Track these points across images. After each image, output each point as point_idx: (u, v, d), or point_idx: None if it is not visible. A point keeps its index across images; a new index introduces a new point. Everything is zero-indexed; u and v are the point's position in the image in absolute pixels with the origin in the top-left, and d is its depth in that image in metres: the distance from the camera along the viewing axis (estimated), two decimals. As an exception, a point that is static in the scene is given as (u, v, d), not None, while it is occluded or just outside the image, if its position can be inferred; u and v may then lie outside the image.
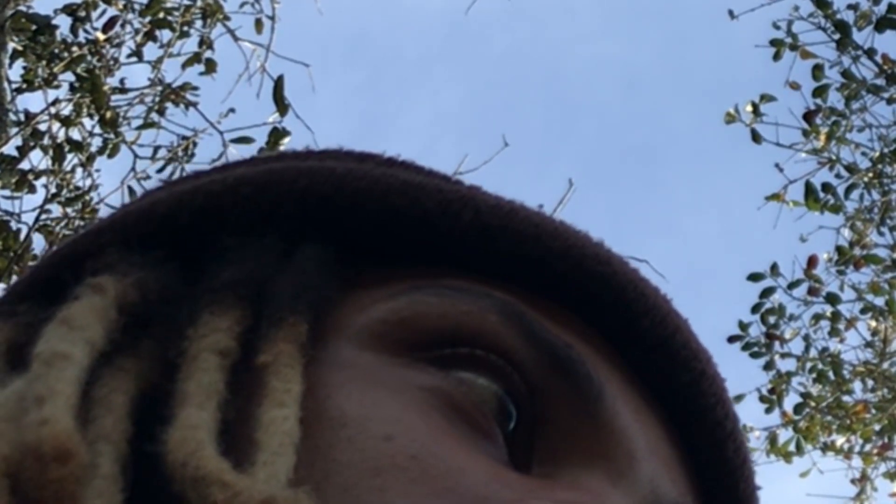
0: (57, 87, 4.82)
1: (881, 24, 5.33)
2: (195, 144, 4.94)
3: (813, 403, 5.95)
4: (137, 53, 4.99)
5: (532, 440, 0.41)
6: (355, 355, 0.41)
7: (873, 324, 5.98)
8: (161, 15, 4.97)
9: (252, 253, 0.43)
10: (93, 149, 4.85)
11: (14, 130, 4.62)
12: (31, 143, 4.76)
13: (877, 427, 5.97)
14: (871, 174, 5.72)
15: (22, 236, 4.55)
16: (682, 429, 0.45)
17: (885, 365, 5.99)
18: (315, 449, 0.37)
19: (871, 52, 5.51)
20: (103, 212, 4.74)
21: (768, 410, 6.02)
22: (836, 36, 5.50)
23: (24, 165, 4.75)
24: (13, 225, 4.60)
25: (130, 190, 4.71)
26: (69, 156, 4.80)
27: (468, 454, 0.38)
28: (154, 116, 4.95)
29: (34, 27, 4.74)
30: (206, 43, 5.04)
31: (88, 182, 4.83)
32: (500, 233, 0.44)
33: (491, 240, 0.44)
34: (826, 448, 6.03)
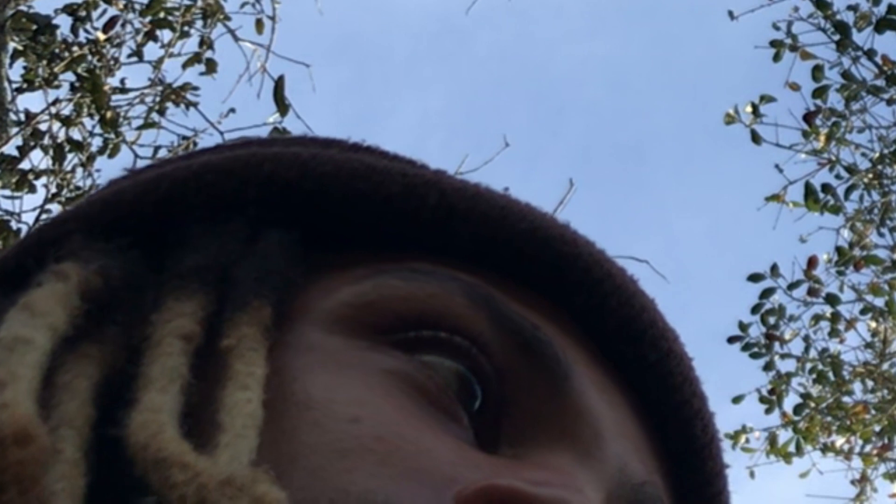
0: (57, 86, 4.83)
1: (881, 25, 5.32)
2: (196, 144, 4.94)
3: (813, 404, 5.94)
4: (138, 53, 4.99)
5: (499, 421, 0.41)
6: (321, 338, 0.41)
7: (873, 325, 5.98)
8: (161, 15, 4.97)
9: (216, 239, 0.43)
10: (93, 149, 4.85)
11: (14, 130, 4.63)
12: (32, 143, 4.76)
13: (876, 428, 5.97)
14: (870, 175, 5.72)
15: (22, 236, 4.55)
16: (650, 408, 0.45)
17: (885, 366, 5.99)
18: (281, 432, 0.37)
19: (870, 53, 5.51)
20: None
21: (768, 411, 6.02)
22: (836, 37, 5.50)
23: (25, 165, 4.76)
24: (13, 225, 4.60)
25: (130, 190, 4.70)
26: (69, 156, 4.81)
27: (434, 435, 0.39)
28: (154, 116, 4.96)
29: (35, 27, 4.74)
30: (206, 43, 5.04)
31: (89, 182, 4.84)
32: (465, 215, 0.45)
33: (457, 222, 0.44)
34: (826, 449, 6.02)
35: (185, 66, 5.01)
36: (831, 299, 5.85)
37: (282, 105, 4.47)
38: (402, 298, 0.42)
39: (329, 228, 0.45)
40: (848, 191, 5.69)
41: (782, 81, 5.76)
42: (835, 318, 5.92)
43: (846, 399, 6.00)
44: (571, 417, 0.41)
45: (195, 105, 4.95)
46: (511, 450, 0.41)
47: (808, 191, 5.63)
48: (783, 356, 5.97)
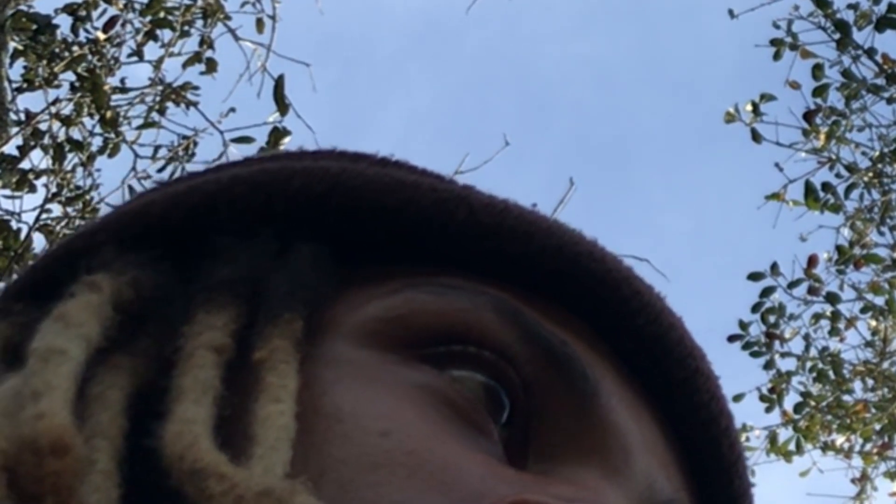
0: (57, 86, 4.82)
1: (881, 24, 5.32)
2: (196, 144, 4.94)
3: (813, 403, 5.95)
4: (138, 53, 4.99)
5: (527, 437, 0.41)
6: (351, 352, 0.41)
7: (873, 323, 5.98)
8: (162, 14, 4.97)
9: (247, 252, 0.43)
10: (93, 148, 4.85)
11: (14, 130, 4.62)
12: (32, 143, 4.76)
13: (877, 426, 5.97)
14: (871, 174, 5.72)
15: (22, 236, 4.55)
16: (677, 425, 0.45)
17: (885, 364, 5.99)
18: (311, 445, 0.38)
19: (871, 52, 5.51)
20: (104, 211, 4.75)
21: (768, 410, 6.03)
22: (836, 35, 5.50)
23: (25, 165, 4.76)
24: (13, 224, 4.60)
25: (131, 189, 4.71)
26: (70, 155, 4.80)
27: (464, 450, 0.39)
28: (154, 116, 4.95)
29: (35, 26, 4.74)
30: (206, 42, 5.04)
31: (89, 181, 4.84)
32: (494, 231, 0.45)
33: (485, 238, 0.45)
34: (826, 447, 6.02)
35: (185, 65, 5.01)
36: (831, 298, 5.86)
37: (282, 104, 4.47)
38: (431, 313, 0.42)
39: (359, 243, 0.45)
40: (848, 189, 5.69)
41: (782, 80, 5.76)
42: (835, 316, 5.92)
43: (846, 398, 6.00)
44: (599, 433, 0.41)
45: (195, 104, 4.95)
46: (539, 465, 0.41)
47: (809, 189, 5.64)
48: (783, 355, 5.97)
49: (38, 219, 4.64)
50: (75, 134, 4.82)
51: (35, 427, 0.34)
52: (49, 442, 0.34)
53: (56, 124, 4.78)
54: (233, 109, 4.90)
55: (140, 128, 4.94)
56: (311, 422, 0.38)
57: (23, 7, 4.71)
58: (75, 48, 4.82)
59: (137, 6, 4.95)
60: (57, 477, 0.34)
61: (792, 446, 5.97)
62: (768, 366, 5.96)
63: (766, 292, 5.81)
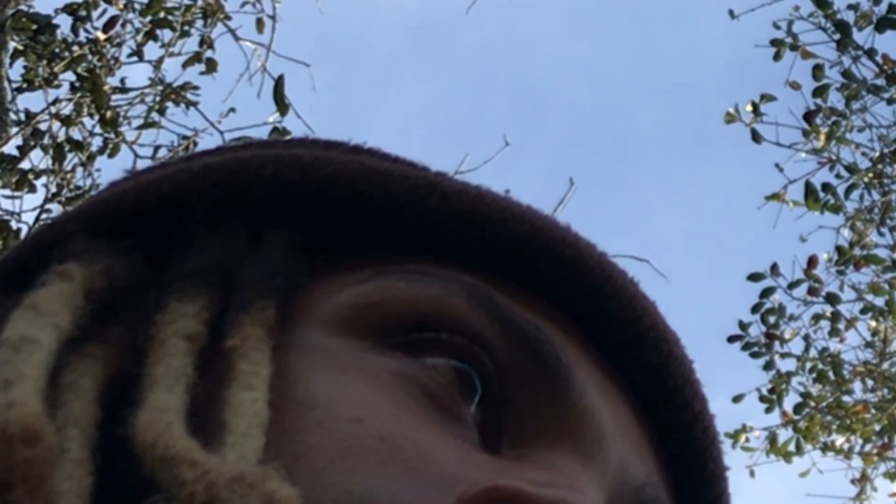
0: (57, 86, 4.82)
1: (881, 25, 5.32)
2: (196, 144, 4.94)
3: (813, 403, 5.94)
4: (138, 53, 4.99)
5: (501, 422, 0.41)
6: (324, 340, 0.41)
7: (873, 324, 5.97)
8: (162, 14, 4.97)
9: (219, 240, 0.43)
10: (93, 148, 4.85)
11: (14, 130, 4.62)
12: (32, 143, 4.76)
13: (877, 427, 5.97)
14: (871, 174, 5.72)
15: (22, 236, 4.55)
16: (651, 410, 0.45)
17: (885, 365, 5.99)
18: (284, 432, 0.38)
19: (871, 53, 5.51)
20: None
21: (768, 410, 6.02)
22: (837, 36, 5.50)
23: (25, 165, 4.76)
24: (13, 224, 4.60)
25: (130, 189, 4.70)
26: (69, 155, 4.81)
27: (438, 436, 0.39)
28: (154, 116, 4.95)
29: (35, 26, 4.74)
30: (206, 42, 5.04)
31: (89, 182, 4.84)
32: (467, 217, 0.45)
33: (458, 225, 0.45)
34: (826, 448, 6.02)
35: (185, 65, 5.01)
36: (831, 298, 5.85)
37: (282, 104, 4.47)
38: (403, 300, 0.42)
39: (331, 230, 0.45)
40: (848, 190, 5.69)
41: (782, 80, 5.76)
42: (835, 317, 5.92)
43: (846, 398, 6.00)
44: (573, 418, 0.42)
45: (195, 104, 4.95)
46: (513, 450, 0.41)
47: (809, 190, 5.63)
48: (783, 355, 5.97)
49: (38, 219, 4.64)
50: (75, 134, 4.83)
51: (6, 415, 0.34)
52: (20, 430, 0.34)
53: (56, 124, 4.78)
54: (233, 109, 4.90)
55: (140, 128, 4.94)
56: (284, 409, 0.38)
57: (23, 7, 4.72)
58: (75, 48, 4.82)
59: (137, 6, 4.95)
60: (28, 465, 0.33)
61: (792, 447, 5.97)
62: (768, 366, 5.96)
63: (766, 293, 5.81)
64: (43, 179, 4.77)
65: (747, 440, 6.03)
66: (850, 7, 5.51)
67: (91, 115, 4.81)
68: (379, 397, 0.39)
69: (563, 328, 0.44)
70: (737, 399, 5.96)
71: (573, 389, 0.42)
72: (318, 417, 0.38)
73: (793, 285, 5.80)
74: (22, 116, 4.72)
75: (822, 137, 5.69)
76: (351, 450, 0.37)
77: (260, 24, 5.06)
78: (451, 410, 0.40)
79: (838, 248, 5.82)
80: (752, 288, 5.80)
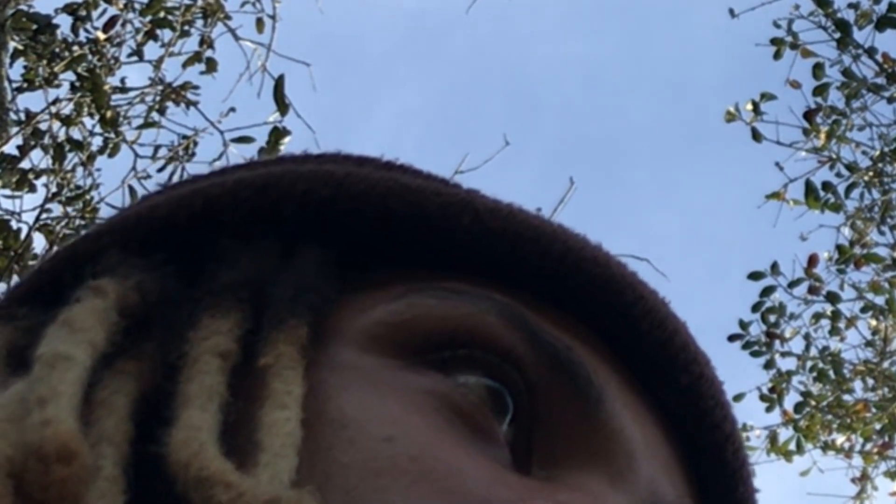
0: (57, 86, 4.82)
1: (882, 23, 5.32)
2: (196, 144, 4.94)
3: (813, 402, 5.95)
4: (138, 53, 4.99)
5: (532, 441, 0.41)
6: (355, 357, 0.41)
7: (874, 323, 5.98)
8: (162, 14, 4.97)
9: (251, 256, 0.43)
10: (93, 148, 4.85)
11: (15, 130, 4.62)
12: (32, 143, 4.75)
13: (877, 426, 5.97)
14: (871, 173, 5.72)
15: (22, 236, 4.55)
16: (681, 431, 0.45)
17: (886, 364, 5.99)
18: (316, 450, 0.37)
19: (871, 51, 5.51)
20: (104, 211, 4.75)
21: (769, 409, 6.03)
22: (837, 35, 5.50)
23: (25, 164, 4.76)
24: (13, 224, 4.60)
25: (131, 189, 4.71)
26: (70, 155, 4.80)
27: (469, 456, 0.39)
28: (155, 116, 4.95)
29: (35, 26, 4.74)
30: (206, 42, 5.04)
31: (89, 181, 4.84)
32: (498, 235, 0.44)
33: (490, 242, 0.44)
34: (826, 447, 6.02)
35: (185, 65, 5.01)
36: (832, 297, 5.86)
37: (282, 104, 4.47)
38: (436, 318, 0.42)
39: (363, 247, 0.45)
40: (848, 189, 5.69)
41: (783, 79, 5.76)
42: (835, 316, 5.92)
43: (847, 397, 6.00)
44: (604, 438, 0.41)
45: (195, 104, 4.95)
46: (543, 471, 0.41)
47: (809, 189, 5.64)
48: (784, 354, 5.97)
49: (38, 219, 4.64)
50: (75, 134, 4.83)
51: (41, 434, 0.34)
52: (55, 449, 0.34)
53: (56, 124, 4.78)
54: (233, 109, 4.90)
55: (140, 127, 4.94)
56: (316, 428, 0.38)
57: (23, 7, 4.71)
58: (75, 48, 4.82)
59: (137, 6, 4.95)
60: (63, 484, 0.33)
61: (792, 446, 5.98)
62: (768, 365, 5.97)
63: (767, 292, 5.81)
64: (43, 179, 4.77)
65: (748, 439, 6.03)
66: (850, 6, 5.52)
67: (91, 115, 4.81)
68: (410, 416, 0.39)
69: (594, 348, 0.44)
70: (737, 398, 5.96)
71: (604, 410, 0.42)
72: (350, 436, 0.38)
73: (793, 284, 5.81)
74: (22, 116, 4.72)
75: (823, 136, 5.69)
76: (382, 469, 0.37)
77: (260, 23, 5.06)
78: (482, 429, 0.40)
79: (839, 247, 5.82)
80: (752, 287, 5.81)
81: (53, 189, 4.75)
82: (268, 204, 0.44)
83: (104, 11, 4.91)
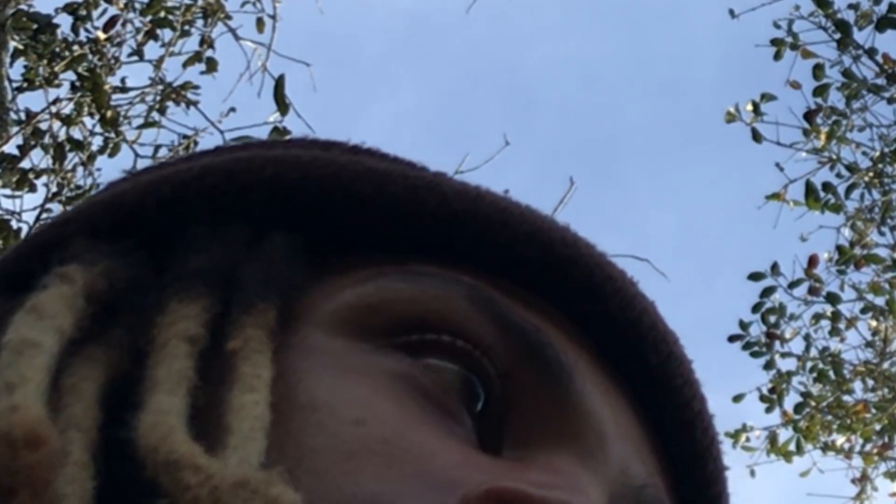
0: (58, 85, 4.82)
1: (882, 24, 5.32)
2: (196, 143, 4.94)
3: (813, 403, 5.95)
4: (138, 52, 4.99)
5: (502, 424, 0.41)
6: (324, 341, 0.41)
7: (874, 323, 5.98)
8: (162, 14, 4.97)
9: (219, 241, 0.43)
10: (94, 148, 4.85)
11: (15, 129, 4.62)
12: (32, 142, 4.76)
13: (877, 427, 5.97)
14: (871, 174, 5.72)
15: (23, 235, 4.55)
16: (651, 410, 0.45)
17: (886, 364, 5.99)
18: (286, 434, 0.37)
19: (871, 52, 5.51)
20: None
21: (768, 410, 6.03)
22: (837, 35, 5.50)
23: (25, 164, 4.76)
24: (14, 224, 4.60)
25: (131, 189, 4.70)
26: (70, 155, 4.81)
27: (439, 438, 0.39)
28: (155, 115, 4.95)
29: (35, 26, 4.74)
30: (207, 42, 5.04)
31: (89, 181, 4.84)
32: (466, 218, 0.45)
33: (458, 225, 0.44)
34: (826, 447, 6.02)
35: (185, 65, 5.01)
36: (832, 298, 5.86)
37: (282, 104, 4.47)
38: (404, 301, 0.42)
39: (331, 231, 0.45)
40: (848, 189, 5.69)
41: (783, 80, 5.76)
42: (835, 316, 5.92)
43: (847, 398, 6.00)
44: (574, 419, 0.42)
45: (196, 104, 4.95)
46: (514, 452, 0.41)
47: (809, 189, 5.63)
48: (784, 355, 5.97)
49: (38, 218, 4.64)
50: (75, 133, 4.83)
51: (9, 419, 0.34)
52: (23, 434, 0.33)
53: (56, 124, 4.78)
54: (233, 109, 4.90)
55: (140, 127, 4.94)
56: (285, 411, 0.38)
57: (23, 6, 4.72)
58: (75, 48, 4.82)
59: (138, 6, 4.95)
60: (31, 469, 0.33)
61: (792, 446, 5.98)
62: (768, 366, 5.97)
63: (767, 292, 5.81)
64: (43, 179, 4.77)
65: (748, 440, 6.04)
66: (850, 6, 5.52)
67: (91, 115, 4.81)
68: (380, 399, 0.39)
69: (563, 329, 0.44)
70: (737, 399, 5.97)
71: (574, 391, 0.42)
72: (320, 419, 0.38)
73: (793, 285, 5.81)
74: (22, 116, 4.72)
75: (823, 137, 5.69)
76: (353, 452, 0.37)
77: (260, 23, 5.06)
78: (451, 412, 0.40)
79: (839, 248, 5.82)
80: (752, 287, 5.81)
81: (53, 189, 4.76)
82: (235, 189, 0.44)
83: (104, 11, 4.92)
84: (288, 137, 0.51)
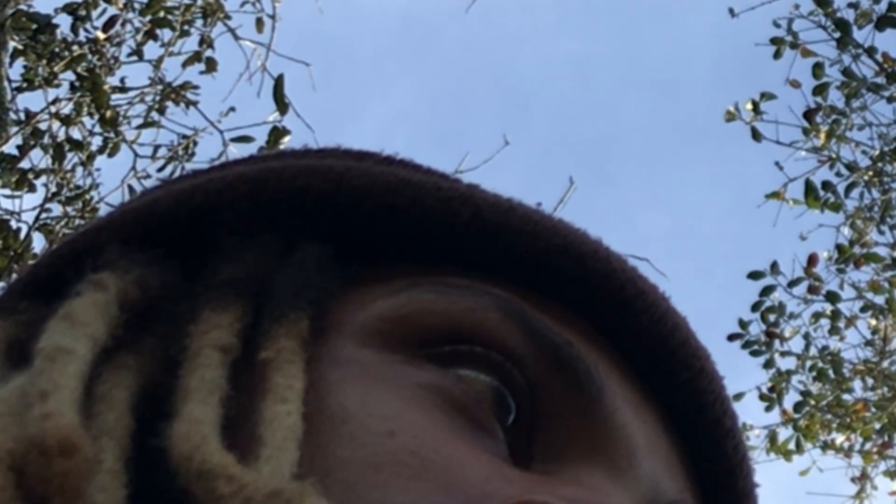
0: (57, 85, 4.82)
1: (881, 23, 5.32)
2: (195, 143, 4.94)
3: (813, 402, 5.94)
4: (138, 52, 4.99)
5: (533, 437, 0.41)
6: (356, 352, 0.41)
7: (873, 322, 5.98)
8: (161, 14, 4.97)
9: (252, 250, 0.43)
10: (93, 148, 4.85)
11: (14, 129, 4.62)
12: (32, 142, 4.75)
13: (877, 425, 5.97)
14: (871, 172, 5.72)
15: (22, 235, 4.55)
16: (681, 426, 0.45)
17: (885, 363, 5.99)
18: (317, 445, 0.37)
19: (871, 51, 5.51)
20: (103, 211, 4.75)
21: (768, 409, 6.03)
22: (837, 34, 5.50)
23: (25, 164, 4.76)
24: (13, 224, 4.60)
25: (131, 189, 4.71)
26: (69, 155, 4.80)
27: (469, 450, 0.39)
28: (154, 115, 4.95)
29: (34, 26, 4.74)
30: (206, 42, 5.04)
31: (89, 181, 4.84)
32: (499, 230, 0.44)
33: (490, 237, 0.44)
34: (826, 446, 6.02)
35: (184, 64, 5.01)
36: (831, 297, 5.86)
37: (281, 104, 4.47)
38: (436, 312, 0.42)
39: (364, 241, 0.45)
40: (848, 188, 5.69)
41: (782, 78, 5.76)
42: (835, 315, 5.92)
43: (846, 397, 6.00)
44: (604, 433, 0.41)
45: (195, 104, 4.95)
46: (544, 465, 0.41)
47: (809, 188, 5.63)
48: (783, 354, 5.97)
49: (37, 218, 4.64)
50: (75, 133, 4.83)
51: (43, 427, 0.34)
52: (57, 442, 0.33)
53: (56, 124, 4.78)
54: (233, 109, 4.90)
55: (140, 127, 4.94)
56: (317, 422, 0.38)
57: (23, 6, 4.71)
58: (75, 48, 4.82)
59: (137, 6, 4.95)
60: (65, 477, 0.33)
61: (792, 445, 5.97)
62: (768, 365, 5.97)
63: (766, 291, 5.81)
64: (43, 179, 4.77)
65: (747, 438, 6.03)
66: (850, 5, 5.52)
67: (91, 115, 4.81)
68: (411, 410, 0.39)
69: (595, 343, 0.44)
70: (737, 397, 5.95)
71: (605, 405, 0.42)
72: (351, 431, 0.38)
73: (793, 283, 5.80)
74: (22, 116, 4.72)
75: (823, 136, 5.69)
76: (383, 464, 0.37)
77: (260, 23, 5.06)
78: (482, 424, 0.40)
79: (838, 247, 5.82)
80: (752, 286, 5.81)
81: (53, 189, 4.76)
82: (267, 199, 0.44)
83: (104, 11, 4.92)
84: (321, 147, 0.50)
